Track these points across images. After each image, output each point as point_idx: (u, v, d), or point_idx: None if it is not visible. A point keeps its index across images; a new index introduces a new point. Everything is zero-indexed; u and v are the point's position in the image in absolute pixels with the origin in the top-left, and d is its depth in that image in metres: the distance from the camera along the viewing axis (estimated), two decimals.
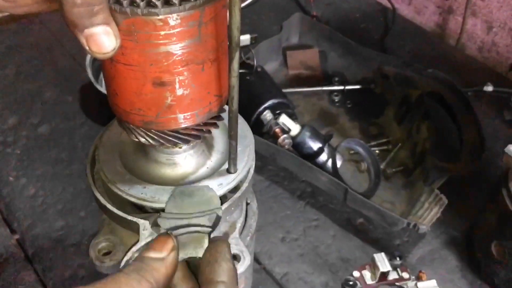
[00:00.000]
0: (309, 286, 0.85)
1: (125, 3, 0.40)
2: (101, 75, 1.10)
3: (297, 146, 0.97)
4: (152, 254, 0.43)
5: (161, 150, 0.54)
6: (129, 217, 0.52)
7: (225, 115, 0.51)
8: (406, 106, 1.08)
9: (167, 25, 0.41)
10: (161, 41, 0.42)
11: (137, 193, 0.51)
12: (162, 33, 0.42)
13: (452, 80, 1.07)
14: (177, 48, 0.43)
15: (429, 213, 0.88)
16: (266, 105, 0.99)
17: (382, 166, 1.01)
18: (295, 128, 0.97)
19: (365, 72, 1.18)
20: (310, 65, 1.23)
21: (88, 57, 1.05)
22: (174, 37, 0.42)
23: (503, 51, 1.30)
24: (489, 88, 1.12)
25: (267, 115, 0.99)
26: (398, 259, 0.85)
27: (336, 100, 1.16)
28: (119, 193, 0.52)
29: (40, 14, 1.33)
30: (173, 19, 0.41)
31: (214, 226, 0.50)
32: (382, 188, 0.99)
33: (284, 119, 0.97)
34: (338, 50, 1.23)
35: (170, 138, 0.49)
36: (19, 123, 1.07)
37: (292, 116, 0.99)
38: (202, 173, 0.55)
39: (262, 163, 1.01)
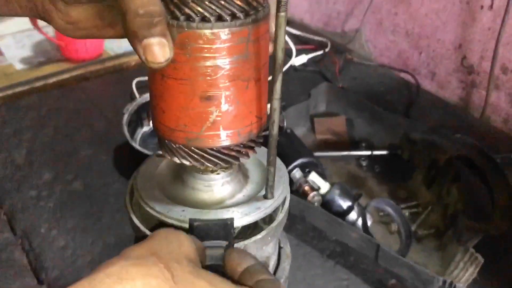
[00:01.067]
0: None
1: (181, 18, 0.44)
2: (136, 134, 1.14)
3: (327, 204, 0.97)
4: None
5: (199, 177, 0.56)
6: (165, 219, 0.52)
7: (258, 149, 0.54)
8: (435, 170, 1.08)
9: (218, 39, 0.45)
10: (212, 55, 0.45)
11: (176, 215, 0.52)
12: (214, 46, 0.45)
13: (480, 145, 1.08)
14: (226, 63, 0.46)
15: (464, 273, 0.85)
16: (295, 163, 1.01)
17: (413, 228, 1.00)
18: (324, 186, 0.98)
19: (392, 139, 1.20)
20: (337, 132, 1.26)
21: (125, 117, 1.10)
22: (224, 51, 0.45)
23: None
24: None
25: (297, 174, 1.00)
26: None
27: (363, 165, 1.17)
28: (158, 216, 0.52)
29: (80, 84, 1.41)
30: (225, 33, 0.45)
31: (229, 238, 0.51)
32: (414, 251, 0.97)
33: (313, 177, 0.98)
34: (364, 117, 1.26)
35: (211, 158, 0.51)
36: (54, 179, 1.10)
37: (321, 175, 1.00)
38: (239, 199, 0.56)
39: (291, 222, 1.00)
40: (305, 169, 1.01)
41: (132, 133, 1.15)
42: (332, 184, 0.99)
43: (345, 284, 0.92)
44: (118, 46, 1.58)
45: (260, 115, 0.52)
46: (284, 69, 1.50)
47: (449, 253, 0.93)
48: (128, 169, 1.12)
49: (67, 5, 0.49)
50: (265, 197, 0.55)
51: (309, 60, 1.57)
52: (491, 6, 1.30)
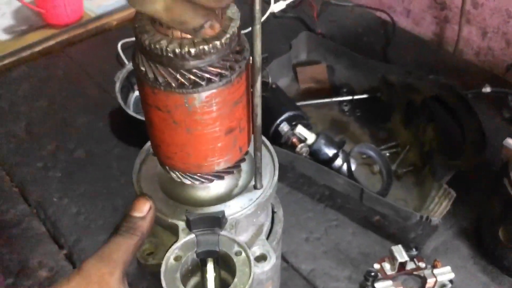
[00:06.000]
0: (334, 279, 0.93)
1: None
2: (129, 99, 1.20)
3: (314, 153, 1.06)
4: (136, 214, 0.54)
5: None
6: (170, 219, 0.60)
7: None
8: (411, 111, 1.16)
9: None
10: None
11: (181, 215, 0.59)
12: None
13: (452, 84, 1.16)
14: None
15: (439, 206, 0.96)
16: (282, 117, 1.08)
17: (393, 167, 1.09)
18: (311, 137, 1.06)
19: (371, 82, 1.27)
20: (319, 79, 1.32)
21: (117, 85, 1.16)
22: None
23: (499, 54, 1.38)
24: (487, 89, 1.20)
25: (284, 127, 1.08)
26: (414, 250, 0.93)
27: (345, 110, 1.25)
28: (164, 218, 0.59)
29: (65, 49, 1.44)
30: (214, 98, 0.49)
31: (221, 225, 0.58)
32: (395, 187, 1.07)
33: (300, 129, 1.06)
34: (344, 63, 1.32)
35: (210, 177, 0.58)
36: (57, 149, 1.17)
37: (307, 126, 1.08)
38: (233, 193, 0.62)
39: (282, 171, 1.08)
40: (292, 122, 1.09)
41: (125, 98, 1.20)
42: (317, 134, 1.07)
43: (334, 224, 1.02)
44: (98, 5, 1.59)
45: (247, 141, 0.58)
46: (265, 17, 1.53)
47: (425, 189, 1.03)
48: (125, 133, 1.20)
49: None
50: (255, 187, 0.62)
51: (287, 6, 1.59)
52: None
